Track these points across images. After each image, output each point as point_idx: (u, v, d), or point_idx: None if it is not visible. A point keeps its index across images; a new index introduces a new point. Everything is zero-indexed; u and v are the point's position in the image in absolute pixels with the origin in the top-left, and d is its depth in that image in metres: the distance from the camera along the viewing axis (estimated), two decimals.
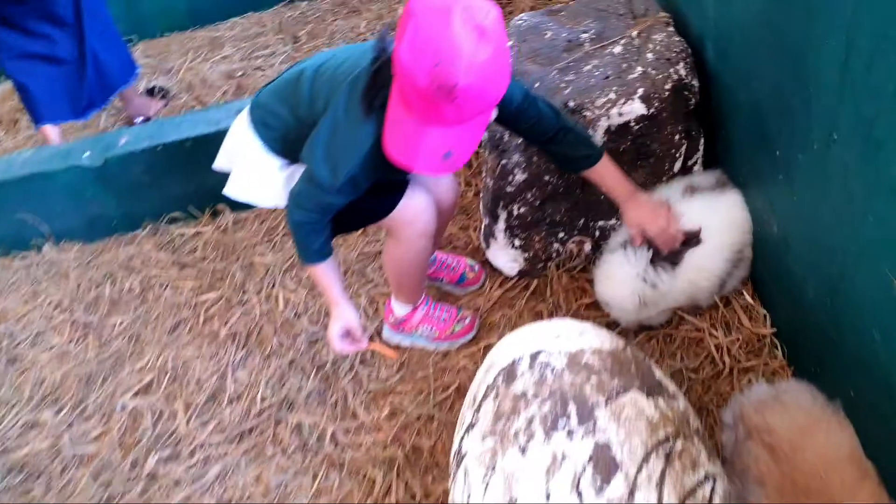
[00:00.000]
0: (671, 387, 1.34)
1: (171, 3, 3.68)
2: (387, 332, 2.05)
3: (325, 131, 1.42)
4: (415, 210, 1.69)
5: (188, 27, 3.72)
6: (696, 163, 2.03)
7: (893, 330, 1.18)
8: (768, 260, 1.74)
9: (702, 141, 2.01)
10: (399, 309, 1.98)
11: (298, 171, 1.58)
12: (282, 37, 3.51)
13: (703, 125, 2.01)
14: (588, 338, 1.37)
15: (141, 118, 3.14)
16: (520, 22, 2.17)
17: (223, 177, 1.74)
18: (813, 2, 1.24)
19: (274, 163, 1.61)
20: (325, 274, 1.63)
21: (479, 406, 1.30)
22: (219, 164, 1.75)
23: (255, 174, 1.64)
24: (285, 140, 1.57)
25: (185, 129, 2.44)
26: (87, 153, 2.48)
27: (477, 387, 1.38)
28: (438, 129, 1.24)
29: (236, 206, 2.63)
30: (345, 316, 1.67)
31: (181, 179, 2.54)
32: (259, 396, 2.04)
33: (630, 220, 1.74)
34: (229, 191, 1.70)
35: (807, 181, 1.40)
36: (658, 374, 1.35)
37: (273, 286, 2.35)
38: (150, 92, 3.28)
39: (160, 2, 3.68)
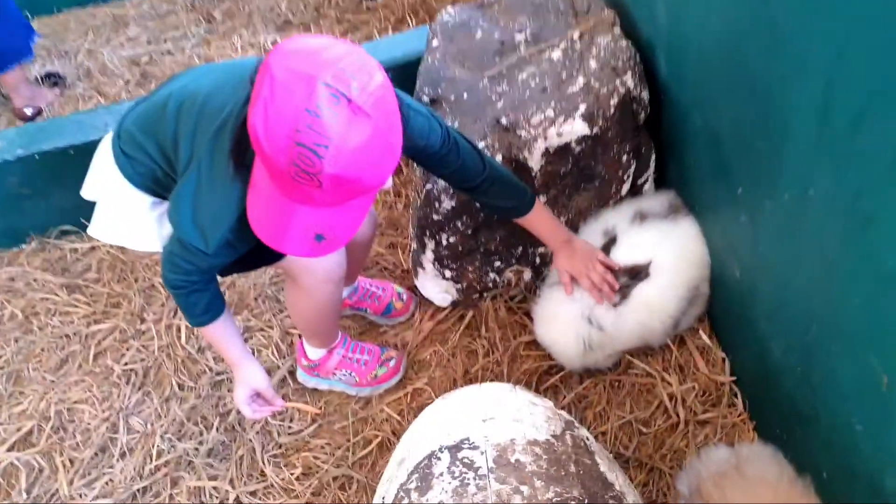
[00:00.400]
0: (618, 481, 1.14)
1: None
2: (301, 376, 1.81)
3: (188, 191, 1.15)
4: None
5: (89, 3, 3.31)
6: (646, 181, 1.82)
7: (882, 429, 1.00)
8: (729, 303, 1.56)
9: (653, 158, 1.81)
10: (312, 353, 1.74)
11: None
12: (195, 16, 3.15)
13: (654, 139, 1.80)
14: (522, 423, 1.16)
15: (31, 110, 2.77)
16: (447, 18, 1.91)
17: None
18: (782, 31, 1.02)
19: (143, 200, 1.34)
20: (219, 334, 1.38)
21: None
22: (87, 193, 1.46)
23: (122, 213, 1.36)
24: (154, 179, 1.30)
25: (66, 134, 2.11)
26: None
27: (387, 485, 1.16)
28: (308, 208, 1.00)
29: None
30: (250, 378, 1.42)
31: (68, 190, 2.18)
32: (155, 450, 1.78)
33: (561, 269, 1.58)
34: (95, 232, 1.41)
35: (776, 234, 1.20)
36: (603, 465, 1.14)
37: (175, 314, 2.08)
38: (43, 79, 2.90)
39: None
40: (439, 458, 1.11)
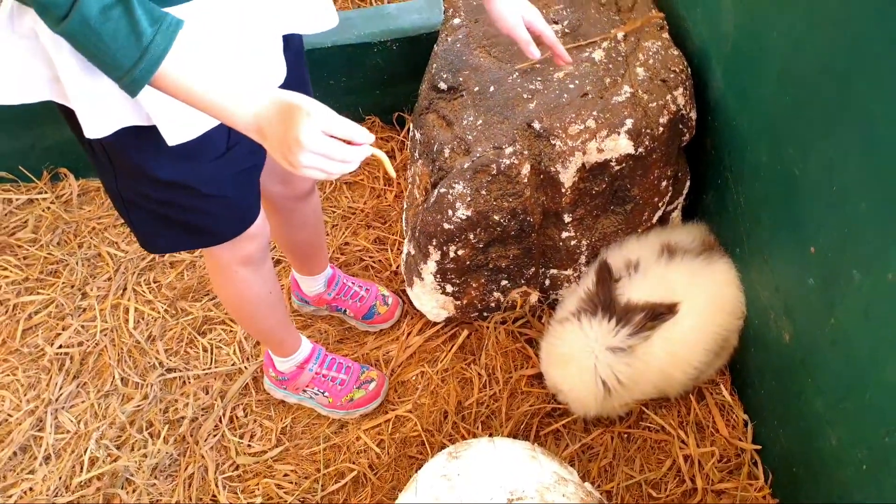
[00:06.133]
0: None
1: None
2: (268, 384, 1.58)
3: None
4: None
5: None
6: (674, 210, 1.64)
7: None
8: (766, 366, 1.39)
9: (687, 186, 1.63)
10: (280, 364, 1.51)
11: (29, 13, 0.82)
12: None
13: (689, 165, 1.62)
14: None
15: None
16: None
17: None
18: None
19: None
20: (188, 69, 0.81)
21: None
22: None
23: None
24: None
25: None
26: None
27: None
28: None
29: (84, 170, 2.03)
30: (297, 104, 0.81)
31: (7, 133, 1.91)
32: (87, 457, 1.53)
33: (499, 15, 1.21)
34: None
35: (863, 313, 1.03)
36: None
37: (123, 291, 1.81)
38: None
39: None
40: None
